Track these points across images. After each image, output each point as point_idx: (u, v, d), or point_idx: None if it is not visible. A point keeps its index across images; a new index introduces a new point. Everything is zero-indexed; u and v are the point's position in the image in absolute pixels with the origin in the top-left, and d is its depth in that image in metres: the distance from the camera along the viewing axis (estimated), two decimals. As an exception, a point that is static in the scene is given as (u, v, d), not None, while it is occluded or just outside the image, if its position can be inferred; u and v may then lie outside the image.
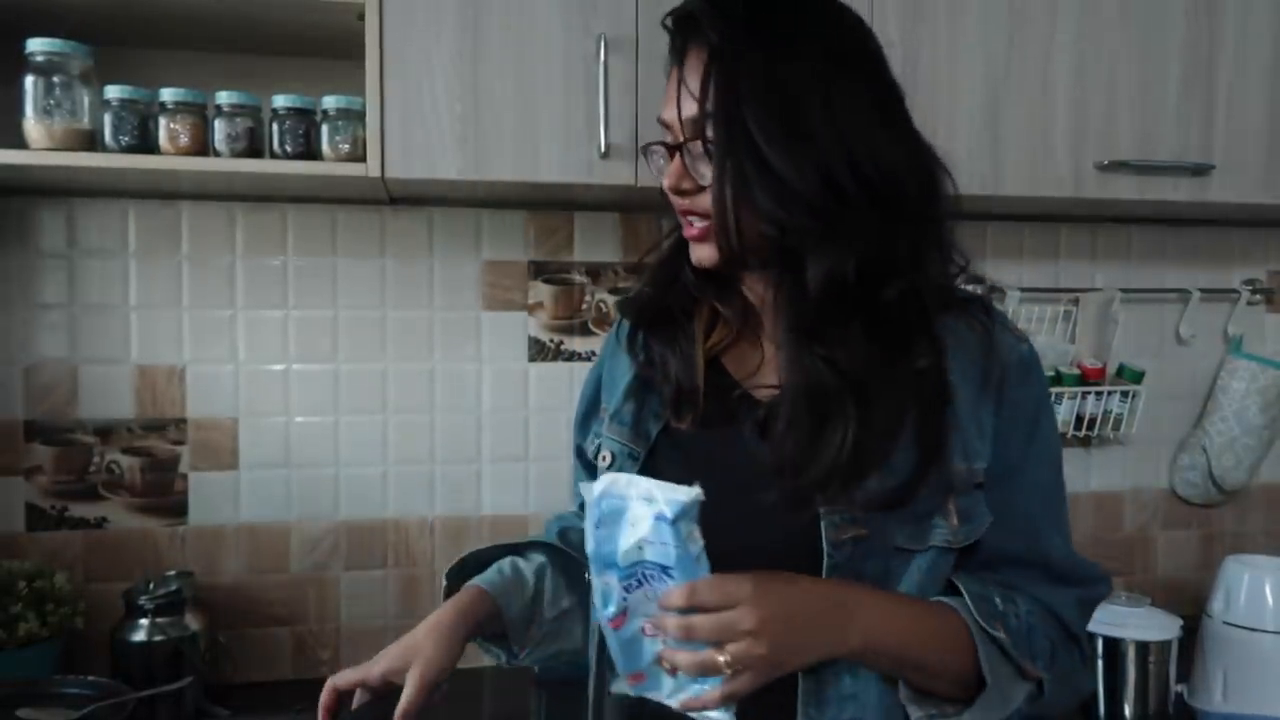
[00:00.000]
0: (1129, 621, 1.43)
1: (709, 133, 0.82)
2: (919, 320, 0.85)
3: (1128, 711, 1.43)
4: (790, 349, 0.84)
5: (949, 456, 0.84)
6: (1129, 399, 1.82)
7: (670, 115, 0.86)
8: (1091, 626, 1.40)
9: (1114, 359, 1.85)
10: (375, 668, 0.92)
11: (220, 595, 1.57)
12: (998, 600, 0.85)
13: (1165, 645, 1.42)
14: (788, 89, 0.81)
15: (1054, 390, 1.77)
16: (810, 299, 0.83)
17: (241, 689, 1.53)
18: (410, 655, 0.91)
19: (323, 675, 1.58)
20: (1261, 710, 1.41)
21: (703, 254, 0.88)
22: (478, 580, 1.00)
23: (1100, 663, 1.43)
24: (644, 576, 0.77)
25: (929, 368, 0.84)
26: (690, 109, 0.83)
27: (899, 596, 0.84)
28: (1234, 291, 1.93)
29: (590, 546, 0.79)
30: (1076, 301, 1.85)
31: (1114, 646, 1.42)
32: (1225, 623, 1.45)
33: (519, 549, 1.06)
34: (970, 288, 1.91)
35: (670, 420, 0.93)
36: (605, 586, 0.79)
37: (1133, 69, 1.51)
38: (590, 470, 1.04)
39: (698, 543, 0.75)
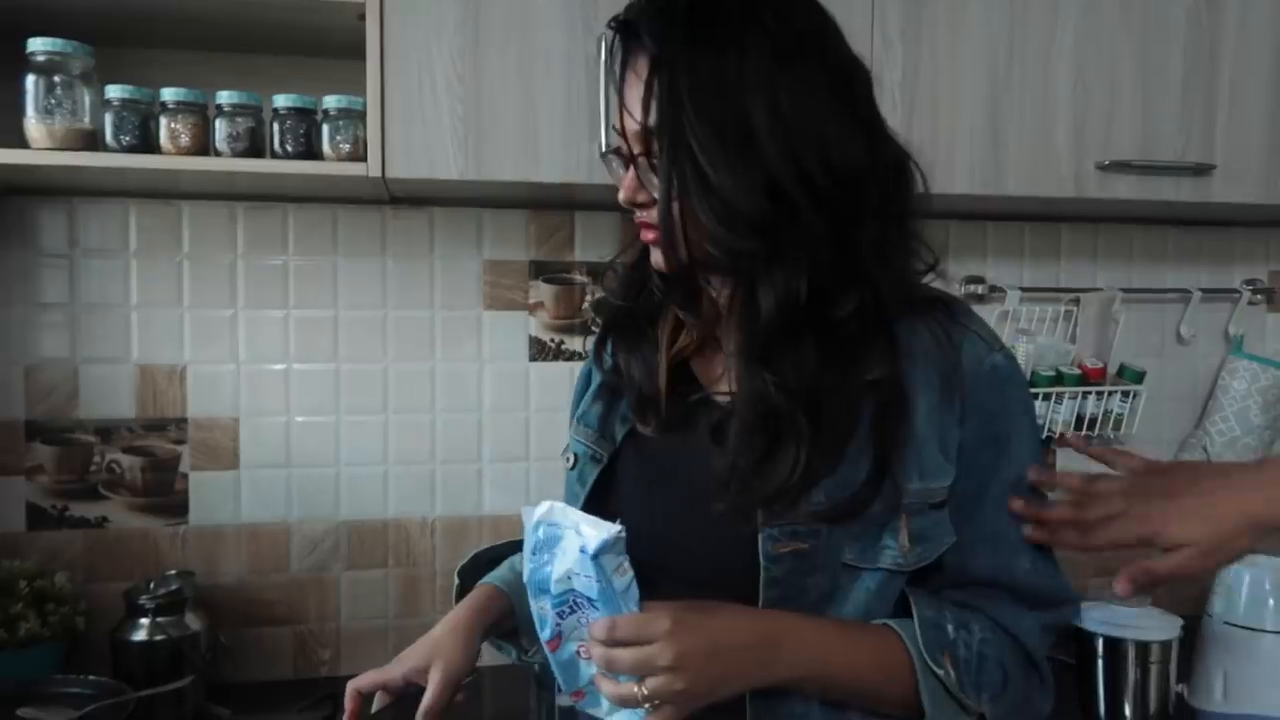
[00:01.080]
0: (1129, 622, 1.43)
1: (654, 147, 0.80)
2: (875, 326, 0.83)
3: (1128, 711, 1.43)
4: (740, 370, 0.82)
5: (903, 469, 0.81)
6: (1130, 399, 1.82)
7: (619, 122, 0.84)
8: (1092, 627, 1.42)
9: (1115, 359, 1.85)
10: (396, 669, 0.92)
11: (221, 595, 1.57)
12: (950, 627, 0.83)
13: (1166, 645, 1.42)
14: (732, 98, 0.77)
15: (1055, 390, 1.77)
16: (760, 322, 0.80)
17: (242, 688, 1.53)
18: (431, 655, 0.91)
19: (323, 675, 1.60)
20: (1262, 710, 1.41)
21: (658, 260, 0.86)
22: (490, 578, 1.00)
23: (1101, 663, 1.43)
24: (575, 604, 0.79)
25: (884, 378, 0.82)
26: (633, 123, 0.80)
27: (837, 624, 0.82)
28: (1235, 291, 1.93)
29: (526, 572, 0.81)
30: (1077, 301, 1.85)
31: (1114, 646, 1.42)
32: (1226, 623, 1.44)
33: None
34: (971, 288, 1.91)
35: (636, 425, 0.92)
36: (540, 611, 0.81)
37: (1134, 69, 1.51)
38: None
39: (626, 575, 0.76)
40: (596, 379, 0.99)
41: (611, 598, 0.76)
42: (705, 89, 0.77)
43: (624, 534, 0.75)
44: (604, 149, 1.33)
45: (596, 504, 0.92)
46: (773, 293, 0.79)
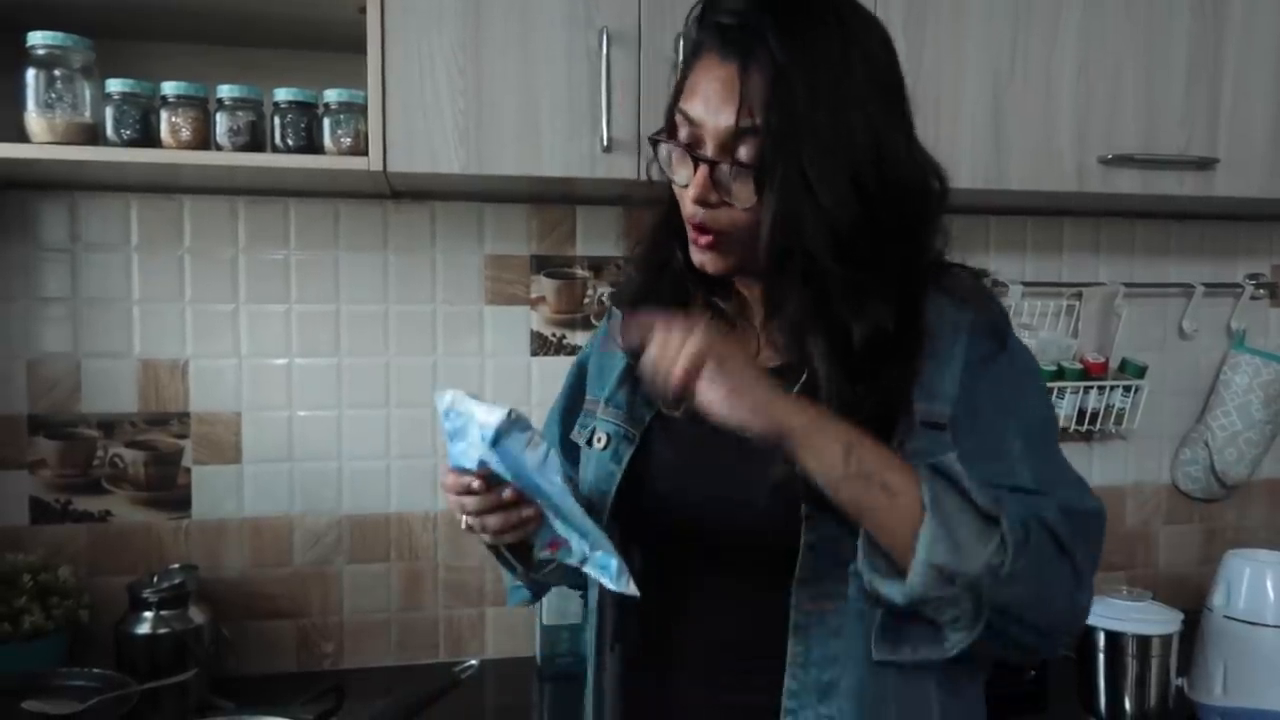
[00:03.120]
0: (1130, 615, 1.43)
1: (761, 153, 0.80)
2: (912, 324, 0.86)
3: (1128, 705, 1.43)
4: (835, 385, 0.82)
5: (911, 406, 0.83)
6: (1131, 393, 1.82)
7: (704, 114, 0.82)
8: (1093, 621, 1.42)
9: (1117, 353, 1.85)
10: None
11: (224, 588, 1.58)
12: (965, 479, 0.80)
13: (1166, 639, 1.42)
14: (839, 114, 0.80)
15: (1057, 385, 1.77)
16: (855, 351, 0.82)
17: (245, 681, 1.54)
18: None
19: (326, 668, 1.61)
20: (1261, 704, 1.41)
21: (706, 261, 0.87)
22: None
23: (1101, 656, 1.43)
24: (499, 477, 0.83)
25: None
26: (744, 121, 0.80)
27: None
28: (1237, 286, 1.92)
29: (450, 455, 0.84)
30: (1080, 296, 1.85)
31: (1114, 640, 1.42)
32: (1226, 617, 1.45)
33: None
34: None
35: (663, 409, 0.93)
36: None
37: (1137, 62, 1.50)
38: (574, 462, 1.04)
39: (538, 449, 0.80)
40: (621, 365, 0.97)
41: (525, 474, 0.80)
42: (822, 109, 0.79)
43: (515, 413, 0.78)
44: (606, 144, 1.33)
45: (633, 481, 0.93)
46: (867, 325, 0.81)
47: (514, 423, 0.79)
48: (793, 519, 0.84)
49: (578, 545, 0.87)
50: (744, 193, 0.82)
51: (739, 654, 0.89)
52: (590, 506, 0.89)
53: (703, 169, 0.83)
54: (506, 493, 0.84)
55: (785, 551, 0.84)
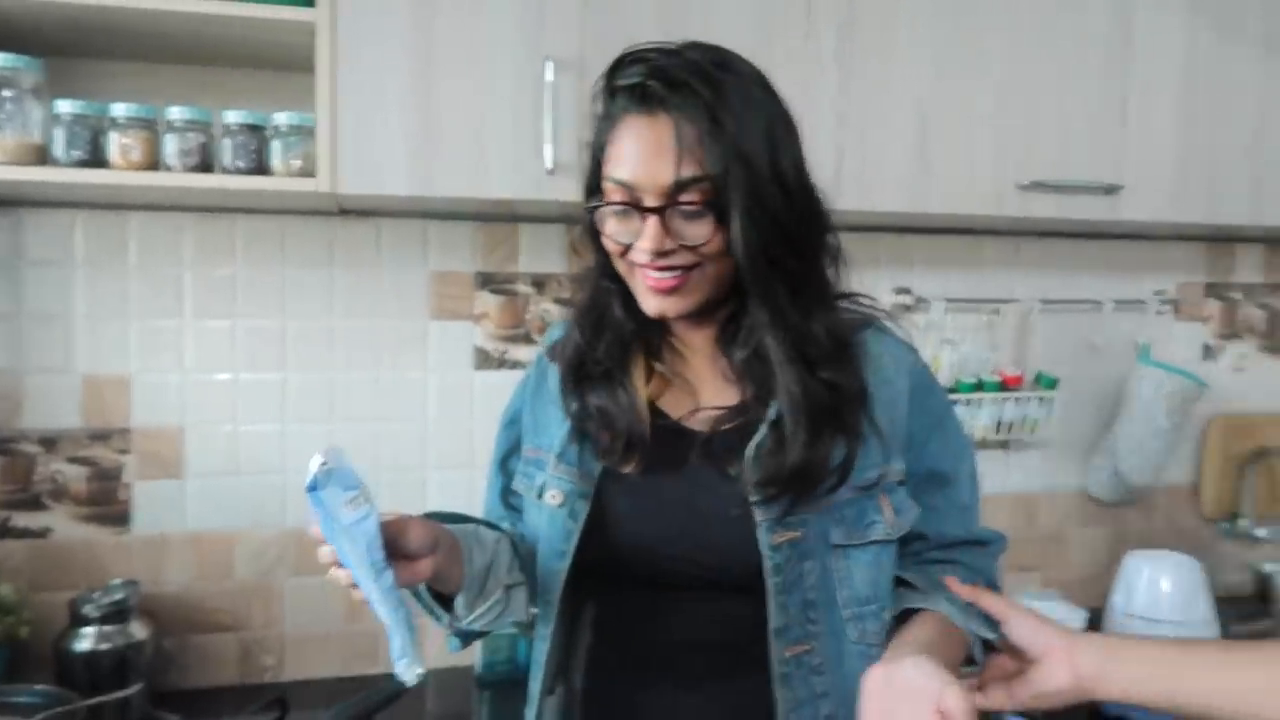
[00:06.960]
0: (1040, 614, 1.51)
1: (712, 191, 0.85)
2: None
3: (1041, 699, 1.51)
4: (796, 374, 0.90)
5: (877, 456, 0.95)
6: (1045, 404, 1.92)
7: (641, 174, 0.86)
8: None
9: (1032, 366, 1.95)
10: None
11: (166, 603, 1.58)
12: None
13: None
14: (768, 144, 0.87)
15: (976, 396, 1.87)
16: (806, 328, 0.91)
17: (188, 695, 1.54)
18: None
19: (267, 681, 1.62)
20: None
21: (667, 306, 0.90)
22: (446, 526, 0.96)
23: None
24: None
25: (856, 386, 0.95)
26: (685, 170, 0.84)
27: (925, 633, 0.92)
28: (1143, 302, 2.04)
29: None
30: (998, 311, 1.95)
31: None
32: (1126, 614, 1.53)
33: (474, 520, 1.05)
34: (899, 298, 1.99)
35: (615, 465, 0.96)
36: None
37: (1051, 98, 1.60)
38: (515, 509, 1.08)
39: (359, 509, 0.77)
40: (567, 423, 0.99)
41: (335, 533, 0.77)
42: (749, 134, 0.86)
43: (329, 464, 0.76)
44: (550, 168, 1.37)
45: (593, 537, 0.96)
46: (805, 298, 0.91)
47: (330, 472, 0.76)
48: (751, 555, 0.91)
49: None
50: (700, 231, 0.86)
51: (717, 654, 0.95)
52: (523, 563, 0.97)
53: (653, 221, 0.86)
54: None
55: (754, 578, 0.91)
